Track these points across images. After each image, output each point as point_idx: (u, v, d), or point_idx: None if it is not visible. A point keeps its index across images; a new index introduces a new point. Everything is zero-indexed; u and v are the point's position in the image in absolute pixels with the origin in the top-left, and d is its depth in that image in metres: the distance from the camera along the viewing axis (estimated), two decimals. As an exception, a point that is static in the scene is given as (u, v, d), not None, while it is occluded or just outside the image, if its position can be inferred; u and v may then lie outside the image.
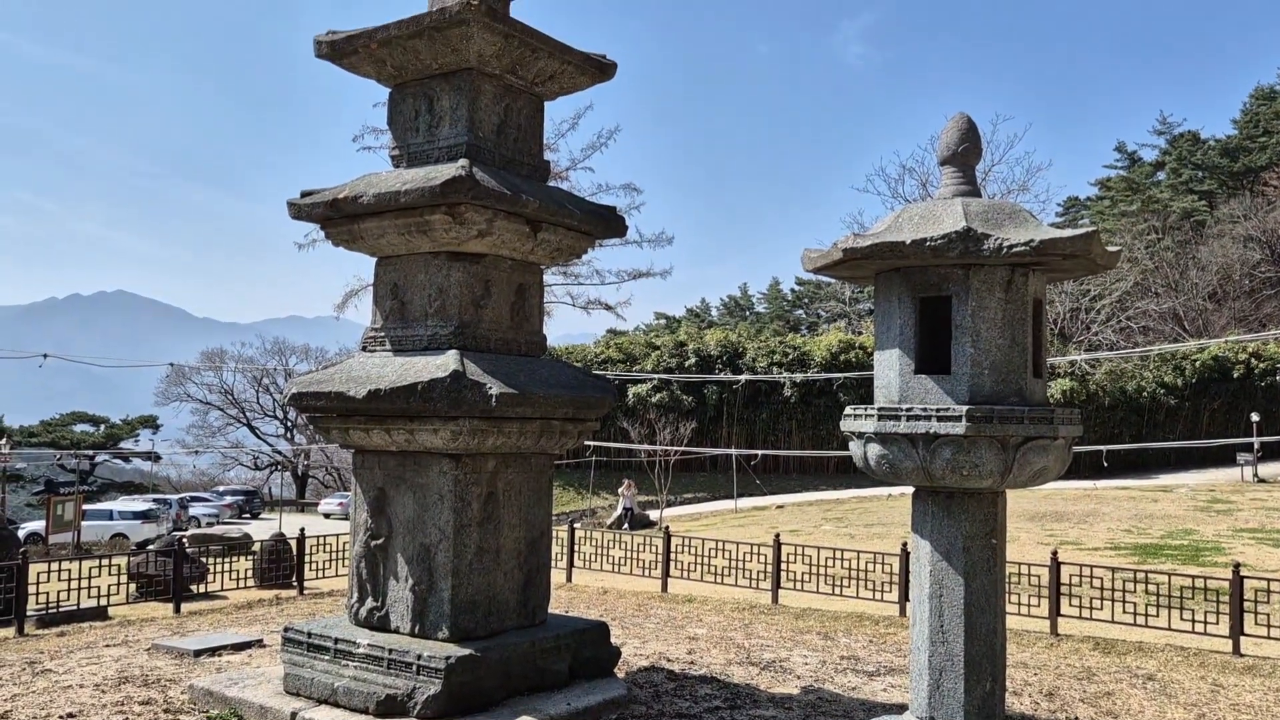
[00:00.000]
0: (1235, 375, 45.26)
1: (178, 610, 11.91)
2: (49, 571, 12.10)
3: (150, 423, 65.36)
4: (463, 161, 6.53)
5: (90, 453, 57.35)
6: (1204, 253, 59.62)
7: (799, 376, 43.63)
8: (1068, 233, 4.67)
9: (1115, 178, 73.58)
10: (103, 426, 64.41)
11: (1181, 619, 10.41)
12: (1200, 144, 72.57)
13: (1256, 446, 37.85)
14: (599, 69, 7.58)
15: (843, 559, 13.12)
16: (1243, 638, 9.94)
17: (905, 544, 11.63)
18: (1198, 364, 45.06)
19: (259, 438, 67.84)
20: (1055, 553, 11.55)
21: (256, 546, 15.21)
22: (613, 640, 7.94)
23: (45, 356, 33.26)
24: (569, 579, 14.83)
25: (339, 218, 7.11)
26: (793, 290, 77.49)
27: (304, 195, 7.28)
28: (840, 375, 43.31)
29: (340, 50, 7.27)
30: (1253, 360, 45.66)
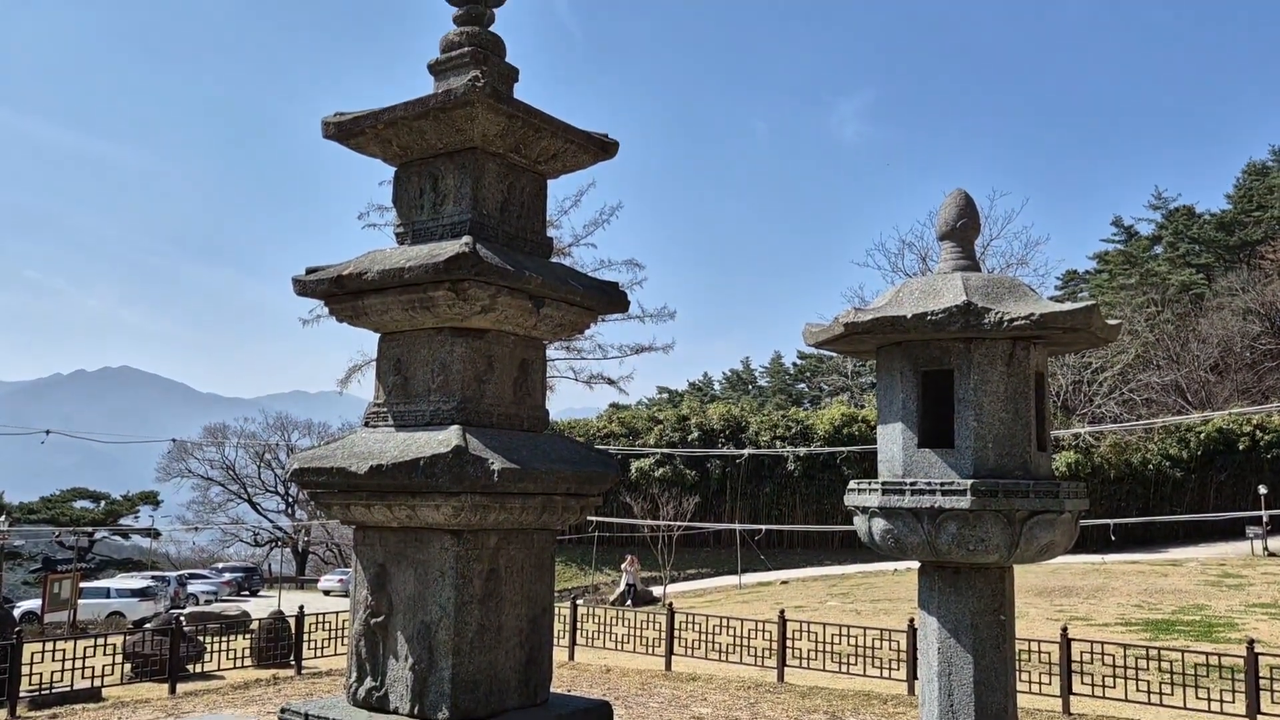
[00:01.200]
0: (1241, 448, 45.05)
1: (173, 691, 11.70)
2: (44, 651, 11.92)
3: (151, 499, 64.99)
4: (466, 238, 6.60)
5: (89, 529, 56.95)
6: (1204, 325, 59.83)
7: (802, 450, 43.47)
8: (1068, 306, 4.70)
9: (1113, 252, 74.22)
10: (103, 503, 64.03)
11: (1197, 698, 10.21)
12: (1196, 218, 73.33)
13: (1265, 519, 37.51)
14: (601, 148, 7.70)
15: (849, 635, 12.92)
16: (1260, 717, 9.73)
17: (912, 620, 11.46)
18: (1202, 436, 44.89)
19: (260, 513, 67.41)
20: (1065, 629, 11.37)
21: (255, 625, 15.01)
22: (616, 721, 7.78)
23: (48, 433, 33.26)
24: (571, 657, 14.58)
25: (343, 294, 7.16)
26: (795, 364, 77.66)
27: (309, 272, 7.34)
28: (844, 449, 43.14)
29: (347, 131, 7.40)
30: (1257, 433, 45.49)
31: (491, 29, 7.52)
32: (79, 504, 63.03)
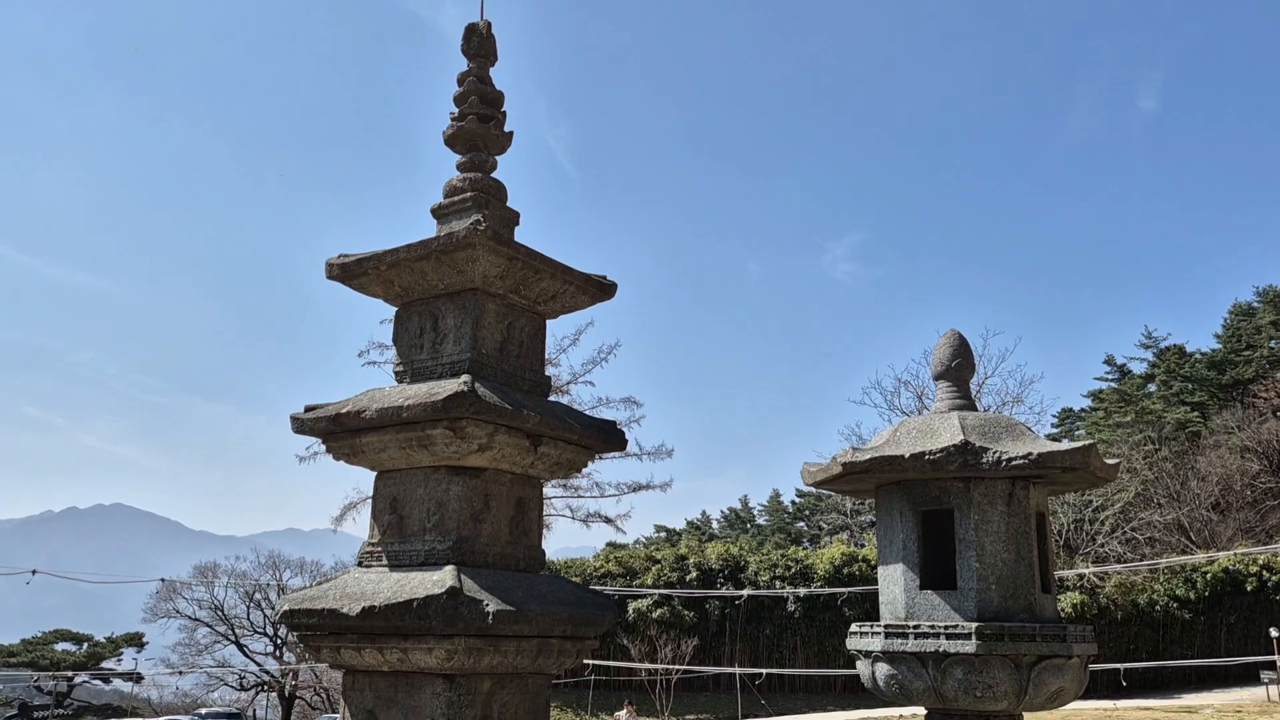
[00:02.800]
0: (1249, 589, 44.28)
1: None
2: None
3: (135, 640, 63.30)
4: (465, 377, 6.65)
5: (69, 674, 55.28)
6: (1202, 463, 59.65)
7: (802, 591, 42.69)
8: (1066, 446, 4.70)
9: (1107, 390, 74.62)
10: (85, 645, 62.33)
11: None
12: (1187, 357, 74.04)
13: (1279, 664, 36.60)
14: (600, 289, 7.83)
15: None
16: None
17: (920, 771, 11.05)
18: (1209, 577, 44.18)
19: (247, 656, 65.58)
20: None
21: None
22: None
23: (34, 573, 32.67)
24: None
25: (341, 432, 7.16)
26: (793, 502, 77.00)
27: (307, 410, 7.36)
28: (844, 590, 42.37)
29: (350, 272, 7.54)
30: (1264, 573, 44.80)
31: (494, 175, 7.75)
32: (61, 646, 61.34)
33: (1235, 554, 44.39)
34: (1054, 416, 72.96)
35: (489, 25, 7.90)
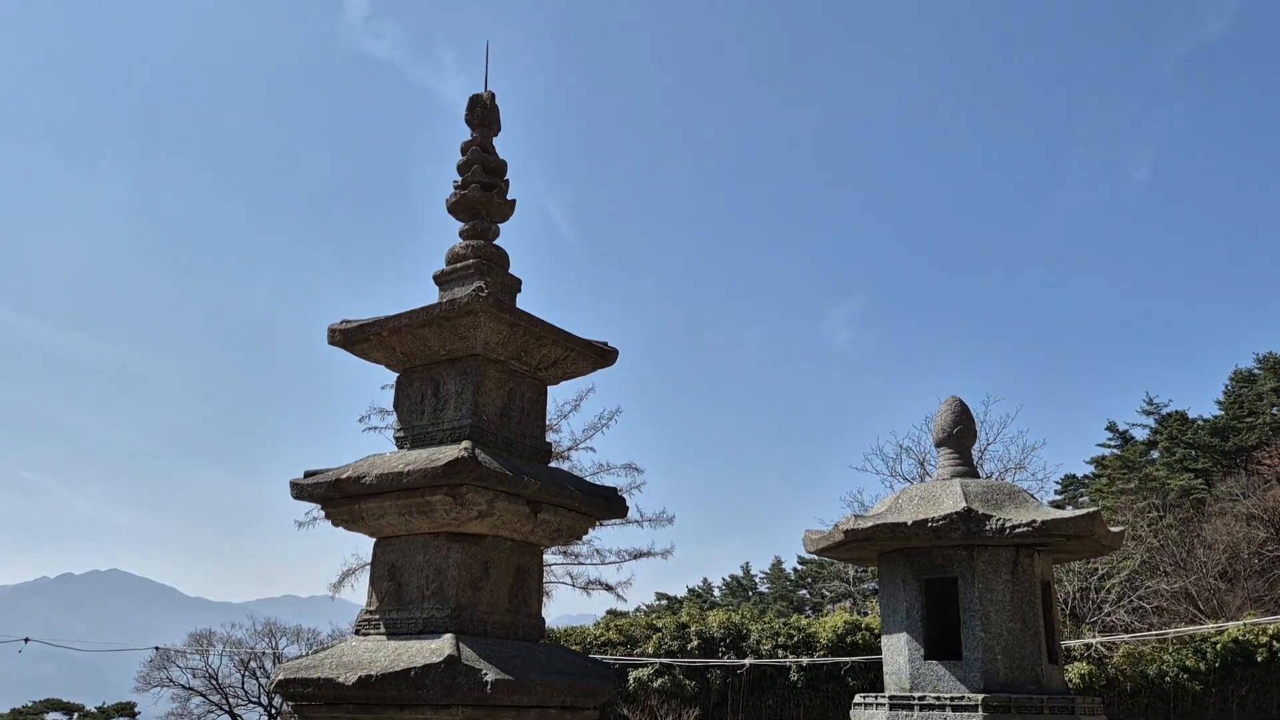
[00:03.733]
0: (1259, 659, 43.55)
1: None
2: None
3: (127, 710, 62.13)
4: (465, 443, 6.63)
5: (59, 744, 54.17)
6: (1208, 531, 59.11)
7: (805, 660, 42.05)
8: (1069, 513, 4.68)
9: (1110, 456, 74.26)
10: (76, 715, 61.21)
11: None
12: (1189, 424, 73.85)
13: (1292, 737, 35.85)
14: (601, 355, 7.85)
15: None
16: None
17: None
18: (1219, 647, 43.48)
19: (240, 727, 64.36)
20: None
21: None
22: None
23: (26, 641, 32.19)
24: None
25: (341, 498, 7.13)
26: (795, 569, 76.18)
27: (307, 475, 7.33)
28: (848, 659, 41.72)
29: (352, 338, 7.57)
30: (1275, 643, 44.08)
31: (496, 242, 7.82)
32: (51, 716, 60.21)
33: (1245, 624, 43.75)
34: (1057, 483, 72.46)
35: (493, 96, 8.04)
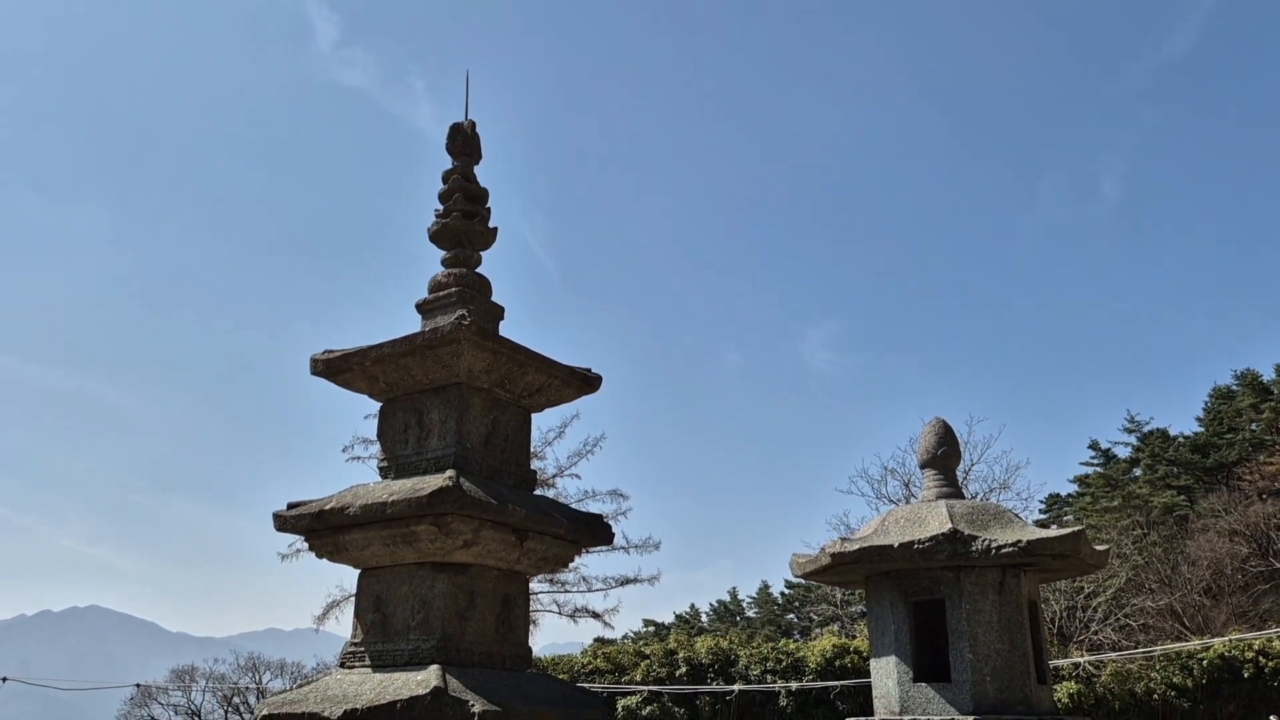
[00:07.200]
0: (1246, 675, 43.65)
1: None
2: None
3: (108, 749, 61.22)
4: (450, 472, 6.60)
5: (39, 785, 53.23)
6: (1192, 547, 59.32)
7: (794, 685, 41.89)
8: (1055, 532, 4.69)
9: (1093, 474, 74.56)
10: (56, 755, 60.25)
11: None
12: (1171, 441, 74.27)
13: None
14: (585, 382, 7.84)
15: None
16: None
17: None
18: (1205, 664, 43.59)
19: (223, 764, 63.43)
20: None
21: None
22: None
23: (4, 680, 31.70)
24: None
25: (324, 529, 7.07)
26: (783, 594, 75.95)
27: (290, 507, 7.27)
28: (837, 683, 41.61)
29: (335, 368, 7.54)
30: (1260, 659, 44.21)
31: (478, 270, 7.82)
32: (31, 757, 59.25)
33: (1231, 639, 43.87)
34: (1041, 502, 72.58)
35: (473, 125, 8.07)
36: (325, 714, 6.30)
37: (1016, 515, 5.09)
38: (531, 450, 8.16)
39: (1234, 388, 78.17)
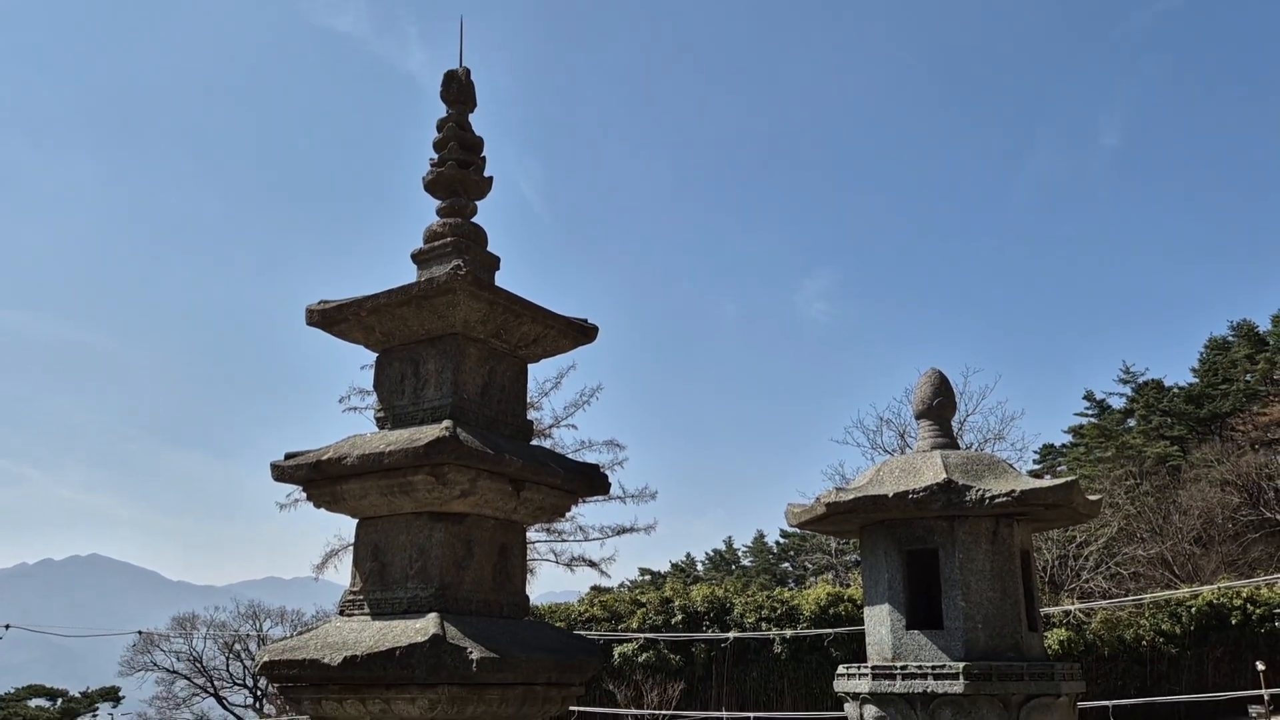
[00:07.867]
0: (1234, 622, 44.26)
1: None
2: None
3: (112, 695, 62.00)
4: (446, 422, 6.61)
5: (44, 730, 54.04)
6: (1184, 497, 59.89)
7: (788, 633, 42.40)
8: (1048, 482, 4.72)
9: (1088, 425, 75.01)
10: (60, 700, 61.02)
11: None
12: (1165, 392, 74.62)
13: (1266, 699, 36.49)
14: (581, 332, 7.83)
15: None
16: None
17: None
18: (1194, 611, 44.16)
19: (226, 709, 64.31)
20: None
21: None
22: None
23: (7, 627, 32.05)
24: None
25: (322, 479, 7.10)
26: (778, 543, 76.71)
27: (288, 457, 7.30)
28: (831, 631, 42.13)
29: (330, 318, 7.52)
30: (1248, 606, 44.80)
31: (474, 219, 7.78)
32: (34, 702, 60.00)
33: (1219, 588, 44.41)
34: (1035, 453, 73.12)
35: (468, 72, 7.96)
36: (326, 661, 6.38)
37: (1011, 466, 5.11)
38: (528, 401, 8.18)
39: (1230, 338, 78.26)
